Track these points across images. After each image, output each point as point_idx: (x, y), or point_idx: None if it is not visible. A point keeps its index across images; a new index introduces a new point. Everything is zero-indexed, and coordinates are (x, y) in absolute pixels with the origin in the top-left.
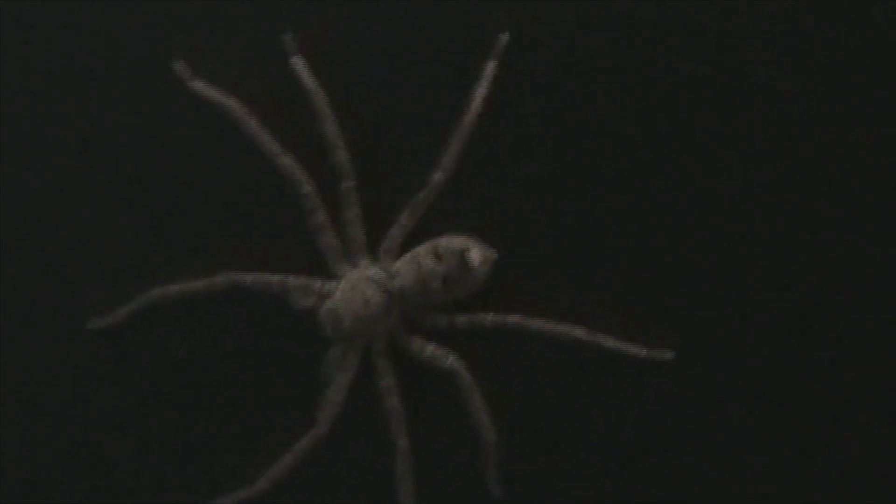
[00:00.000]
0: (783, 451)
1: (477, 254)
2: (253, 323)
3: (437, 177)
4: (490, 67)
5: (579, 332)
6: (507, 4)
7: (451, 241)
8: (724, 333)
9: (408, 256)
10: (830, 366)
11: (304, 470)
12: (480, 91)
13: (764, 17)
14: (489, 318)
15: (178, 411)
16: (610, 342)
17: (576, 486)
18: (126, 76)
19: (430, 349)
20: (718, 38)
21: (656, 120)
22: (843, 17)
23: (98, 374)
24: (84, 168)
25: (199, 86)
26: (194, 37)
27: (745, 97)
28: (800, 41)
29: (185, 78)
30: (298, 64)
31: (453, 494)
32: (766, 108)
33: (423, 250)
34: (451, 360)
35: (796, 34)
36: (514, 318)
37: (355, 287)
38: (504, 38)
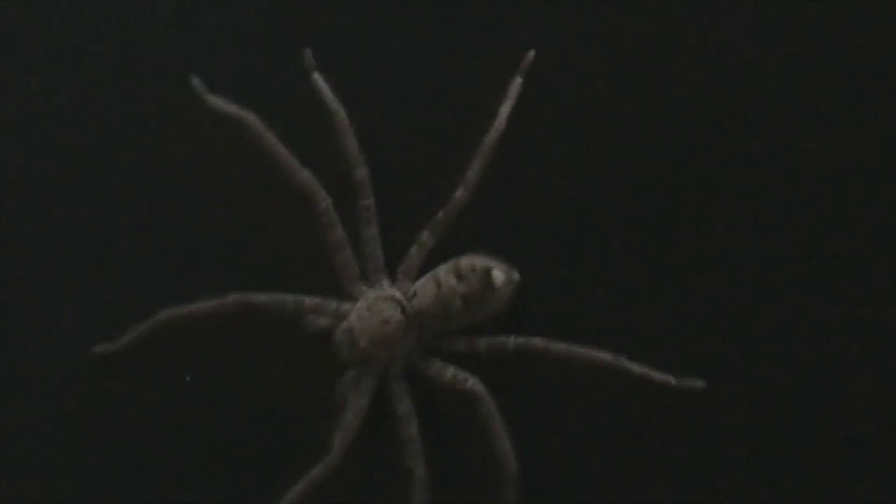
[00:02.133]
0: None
1: (500, 274)
2: (264, 346)
3: (460, 195)
4: (516, 84)
5: (605, 357)
6: (535, 20)
7: (474, 261)
8: (760, 361)
9: (427, 276)
10: (863, 389)
11: (318, 499)
12: (505, 108)
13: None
14: (511, 341)
15: (186, 439)
16: (637, 369)
17: None
18: (141, 89)
19: (451, 372)
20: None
21: (689, 137)
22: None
23: (103, 403)
24: (88, 180)
25: (216, 101)
26: (212, 51)
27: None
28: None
29: (202, 93)
30: (319, 80)
31: None
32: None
33: (443, 270)
34: (472, 383)
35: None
36: (537, 342)
37: (372, 307)
38: (531, 54)
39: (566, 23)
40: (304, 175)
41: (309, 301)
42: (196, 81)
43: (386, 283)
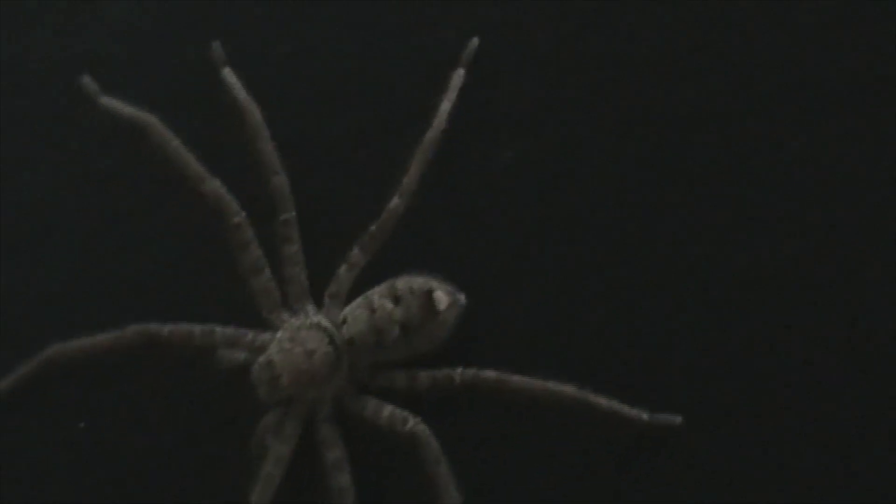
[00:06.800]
0: None
1: (443, 295)
2: (170, 385)
3: (395, 204)
4: (458, 76)
5: (568, 391)
6: (477, 6)
7: (412, 282)
8: (739, 394)
9: (359, 300)
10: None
11: None
12: (446, 104)
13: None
14: (458, 374)
15: (80, 496)
16: (605, 403)
17: None
18: (26, 90)
19: (388, 412)
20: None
21: (648, 140)
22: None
23: None
24: None
25: (111, 102)
26: (108, 47)
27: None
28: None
29: (94, 94)
30: (229, 76)
31: None
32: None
33: (377, 292)
34: (413, 424)
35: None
36: (488, 375)
37: (295, 338)
38: (474, 42)
39: (514, 13)
40: (214, 185)
41: (221, 332)
42: (87, 81)
43: (311, 309)
